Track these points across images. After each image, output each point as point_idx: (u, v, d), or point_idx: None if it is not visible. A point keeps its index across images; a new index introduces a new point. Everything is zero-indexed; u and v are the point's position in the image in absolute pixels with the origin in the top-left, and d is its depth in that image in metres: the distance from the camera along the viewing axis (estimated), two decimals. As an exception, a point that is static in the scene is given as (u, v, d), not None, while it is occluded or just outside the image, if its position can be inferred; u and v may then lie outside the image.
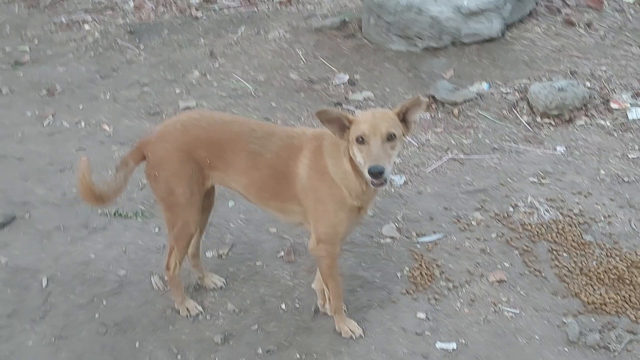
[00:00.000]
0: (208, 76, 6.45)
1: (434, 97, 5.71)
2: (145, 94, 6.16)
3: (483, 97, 5.71)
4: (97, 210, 4.44)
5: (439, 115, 5.59)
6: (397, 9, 6.27)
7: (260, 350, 3.35)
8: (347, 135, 2.91)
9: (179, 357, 3.32)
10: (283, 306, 3.64)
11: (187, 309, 3.54)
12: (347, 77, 6.22)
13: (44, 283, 3.80)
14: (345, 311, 3.48)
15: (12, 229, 4.29)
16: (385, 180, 2.83)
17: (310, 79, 6.23)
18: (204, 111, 4.65)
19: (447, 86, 5.76)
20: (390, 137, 2.84)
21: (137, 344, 3.39)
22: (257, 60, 6.64)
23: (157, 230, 4.27)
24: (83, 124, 5.67)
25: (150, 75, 6.52)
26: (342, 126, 2.92)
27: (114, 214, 4.41)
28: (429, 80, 6.04)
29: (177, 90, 6.21)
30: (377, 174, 2.76)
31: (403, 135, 2.93)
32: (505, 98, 5.68)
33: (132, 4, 8.59)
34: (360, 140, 2.85)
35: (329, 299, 3.44)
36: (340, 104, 5.82)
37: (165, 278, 3.59)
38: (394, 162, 2.93)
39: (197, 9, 8.16)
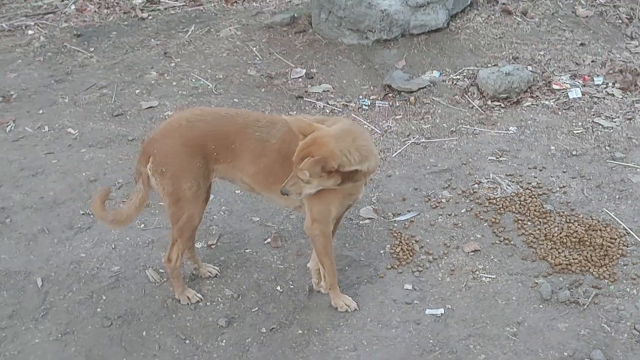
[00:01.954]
0: (166, 76, 6.52)
1: (390, 86, 6.01)
2: (105, 96, 6.19)
3: (436, 84, 6.05)
4: (79, 210, 4.52)
5: (397, 103, 5.89)
6: (347, 4, 6.52)
7: (264, 329, 3.55)
8: None
9: (187, 342, 3.47)
10: (278, 288, 3.84)
11: (188, 297, 3.69)
12: (304, 71, 6.43)
13: (39, 283, 3.86)
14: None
15: (-6, 234, 4.31)
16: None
17: (268, 75, 6.41)
18: (204, 107, 4.77)
19: (401, 75, 6.07)
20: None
21: (144, 333, 3.53)
22: (213, 58, 6.76)
23: (142, 226, 4.37)
24: (47, 128, 5.66)
25: (107, 77, 6.53)
26: None
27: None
28: (382, 71, 6.32)
29: (137, 91, 6.27)
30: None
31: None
32: (456, 84, 6.04)
33: (73, 7, 8.52)
34: None
35: (324, 277, 3.66)
36: (301, 97, 6.04)
37: (167, 270, 3.71)
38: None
39: (142, 10, 8.18)
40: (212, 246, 4.20)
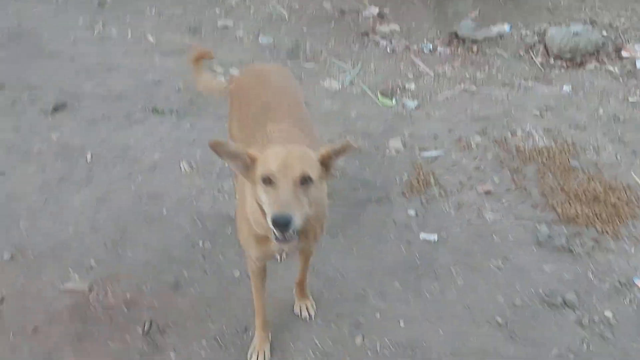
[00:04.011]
0: (247, 1, 6.87)
1: (456, 34, 6.07)
2: (187, 12, 6.63)
3: (503, 37, 6.04)
4: (138, 105, 4.99)
5: (459, 50, 5.95)
6: (430, -51, 6.57)
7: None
8: (253, 174, 2.39)
9: (199, 223, 3.87)
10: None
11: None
12: (377, 10, 6.58)
13: (89, 159, 4.37)
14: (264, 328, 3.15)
15: (64, 114, 4.86)
16: (292, 234, 2.29)
17: (341, 10, 6.62)
18: (268, 64, 4.44)
19: (469, 25, 6.10)
20: (305, 180, 2.31)
21: (164, 211, 3.95)
22: (294, -12, 7.03)
23: (188, 126, 4.79)
24: (130, 33, 6.18)
25: (194, -4, 6.98)
26: (246, 162, 2.41)
27: (152, 110, 4.94)
28: (453, 19, 6.37)
29: (217, 11, 6.67)
30: (283, 225, 2.22)
31: (321, 179, 2.42)
32: (523, 40, 6.01)
33: None
34: (267, 181, 2.32)
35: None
36: (367, 34, 6.22)
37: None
38: (307, 212, 2.32)
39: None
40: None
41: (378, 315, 3.35)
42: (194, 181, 4.20)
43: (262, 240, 2.64)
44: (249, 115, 3.04)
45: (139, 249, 3.66)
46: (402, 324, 3.30)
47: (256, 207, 2.47)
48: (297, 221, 2.25)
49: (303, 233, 2.52)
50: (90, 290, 3.39)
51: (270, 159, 2.34)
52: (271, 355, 3.11)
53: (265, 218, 2.37)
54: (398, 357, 3.12)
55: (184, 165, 4.36)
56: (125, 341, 3.14)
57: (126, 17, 6.51)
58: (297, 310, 3.34)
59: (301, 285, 3.31)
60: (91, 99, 5.05)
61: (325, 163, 2.43)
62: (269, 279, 3.04)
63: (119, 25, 6.34)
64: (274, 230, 2.27)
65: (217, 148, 2.37)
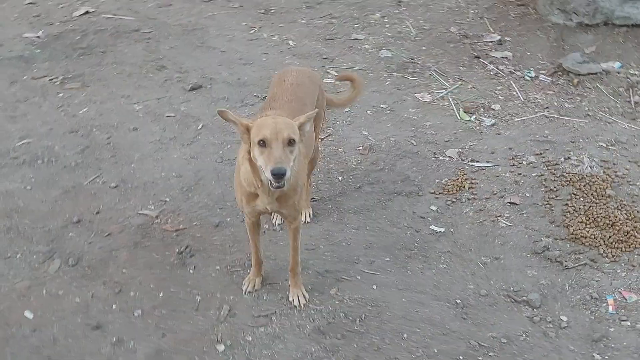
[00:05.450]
0: (386, 19, 7.69)
1: (561, 65, 6.32)
2: (330, 25, 7.63)
3: (609, 74, 6.16)
4: (254, 92, 6.09)
5: (560, 81, 6.21)
6: (560, -16, 6.85)
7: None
8: (249, 138, 3.19)
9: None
10: (339, 177, 4.91)
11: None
12: (498, 37, 7.02)
13: (199, 127, 5.53)
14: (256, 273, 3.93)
15: (197, 93, 6.10)
16: (285, 183, 3.11)
17: (465, 34, 7.15)
18: (296, 67, 4.86)
19: (577, 58, 6.31)
20: (291, 142, 3.10)
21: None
22: (431, 13, 7.69)
23: (285, 114, 5.76)
24: (276, 37, 7.34)
25: (342, 11, 7.94)
26: (242, 129, 3.23)
27: (263, 97, 5.98)
28: (569, 52, 6.59)
29: (356, 26, 7.57)
30: (279, 175, 3.01)
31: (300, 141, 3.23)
32: (628, 78, 6.08)
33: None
34: (262, 144, 3.09)
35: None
36: (478, 57, 6.71)
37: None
38: (292, 166, 3.13)
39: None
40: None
41: (359, 277, 4.01)
42: (266, 155, 5.15)
43: (251, 197, 3.47)
44: (266, 104, 3.95)
45: (203, 195, 4.71)
46: (374, 287, 3.93)
47: (248, 169, 3.32)
48: (289, 172, 3.05)
49: (283, 197, 3.40)
50: (157, 217, 4.50)
51: (263, 126, 3.14)
52: (261, 287, 3.94)
53: (255, 176, 3.28)
54: (357, 308, 3.76)
55: (265, 142, 5.32)
56: (164, 255, 4.17)
57: (280, 24, 7.68)
58: (291, 298, 3.82)
59: (293, 272, 3.80)
60: (221, 84, 6.25)
61: (300, 128, 3.25)
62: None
63: (272, 29, 7.53)
64: (271, 180, 3.06)
65: (222, 115, 3.26)
